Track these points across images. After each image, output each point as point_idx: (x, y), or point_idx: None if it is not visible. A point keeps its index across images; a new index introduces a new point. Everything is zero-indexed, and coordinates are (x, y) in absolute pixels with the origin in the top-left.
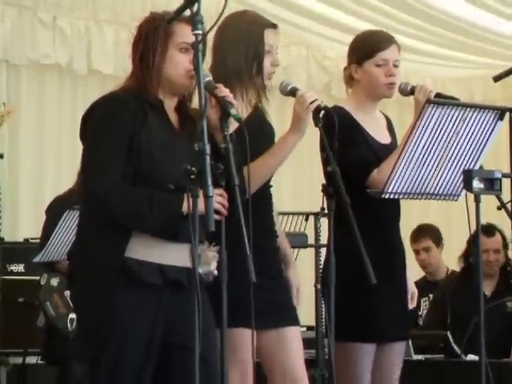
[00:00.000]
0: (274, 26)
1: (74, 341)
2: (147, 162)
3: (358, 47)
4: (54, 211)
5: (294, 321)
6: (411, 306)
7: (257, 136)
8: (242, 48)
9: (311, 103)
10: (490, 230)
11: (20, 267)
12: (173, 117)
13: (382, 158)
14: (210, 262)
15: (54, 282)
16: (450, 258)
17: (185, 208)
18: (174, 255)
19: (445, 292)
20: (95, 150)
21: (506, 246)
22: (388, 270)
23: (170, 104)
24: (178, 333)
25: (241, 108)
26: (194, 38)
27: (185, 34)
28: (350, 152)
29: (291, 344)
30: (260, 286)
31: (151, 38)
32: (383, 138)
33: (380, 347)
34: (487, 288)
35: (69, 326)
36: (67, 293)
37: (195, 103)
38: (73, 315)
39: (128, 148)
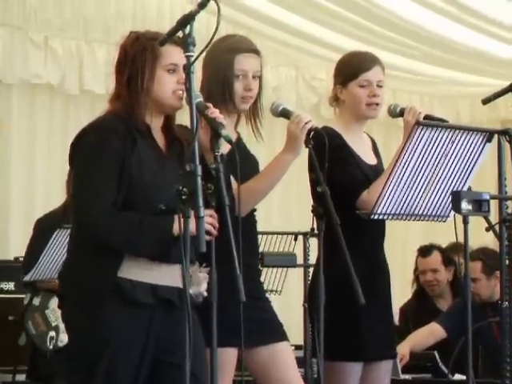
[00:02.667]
0: (252, 51)
1: (57, 358)
2: (138, 187)
3: (342, 68)
4: (40, 227)
5: (284, 336)
6: None
7: (244, 161)
8: (213, 74)
9: (306, 123)
10: (425, 250)
11: (10, 285)
12: (159, 138)
13: (371, 178)
14: (201, 282)
15: (36, 301)
16: None
17: (176, 229)
18: (166, 275)
19: (407, 317)
20: (85, 177)
21: (450, 263)
22: (374, 290)
23: (156, 124)
24: (169, 351)
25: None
26: (182, 59)
27: (172, 54)
28: (340, 173)
29: (286, 358)
30: (247, 306)
31: (138, 60)
32: (370, 159)
33: (367, 366)
34: (444, 306)
35: (48, 343)
36: (48, 311)
37: (182, 120)
38: (52, 333)
39: (118, 174)
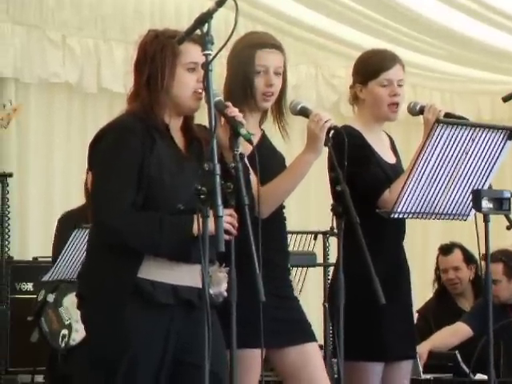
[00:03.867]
0: (274, 47)
1: (74, 359)
2: (157, 188)
3: (362, 67)
4: (62, 226)
5: (313, 336)
6: None
7: (271, 157)
8: (234, 71)
9: (326, 122)
10: (446, 248)
11: (29, 286)
12: (178, 138)
13: (391, 177)
14: (221, 283)
15: (51, 298)
16: None
17: (195, 229)
18: (186, 276)
19: (427, 318)
20: (104, 178)
21: (472, 261)
22: (395, 290)
23: (175, 124)
24: (189, 351)
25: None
26: (202, 57)
27: (192, 53)
28: (363, 173)
29: (315, 359)
30: (276, 306)
31: (158, 59)
32: (389, 157)
33: (388, 366)
34: (465, 305)
35: (60, 342)
36: (61, 309)
37: (201, 119)
38: (65, 331)
39: (138, 175)
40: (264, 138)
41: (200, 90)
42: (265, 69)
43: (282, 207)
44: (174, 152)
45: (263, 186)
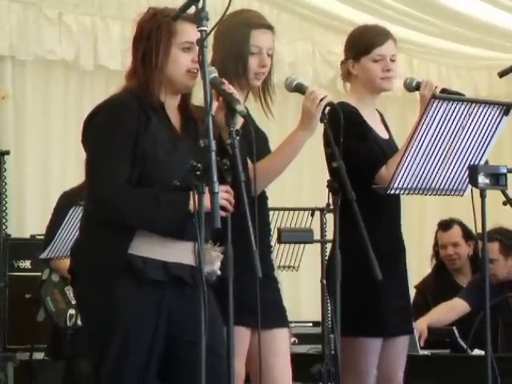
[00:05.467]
0: (267, 27)
1: (79, 337)
2: (152, 165)
3: (354, 43)
4: (59, 206)
5: (286, 322)
6: None
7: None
8: (227, 48)
9: (321, 100)
10: (445, 224)
11: (26, 263)
12: (174, 116)
13: (387, 153)
14: (214, 261)
15: (56, 277)
16: None
17: (191, 206)
18: (179, 252)
19: (424, 294)
20: (98, 154)
21: (470, 237)
22: (393, 265)
23: (171, 103)
24: (184, 329)
25: None
26: (198, 36)
27: (187, 32)
28: (359, 149)
29: (280, 347)
30: (260, 284)
31: (154, 37)
32: (383, 133)
33: (385, 342)
34: (463, 281)
35: (68, 321)
36: (67, 288)
37: (196, 95)
38: (72, 311)
39: (132, 152)
40: (248, 116)
41: (195, 70)
42: (259, 49)
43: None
44: (168, 130)
45: (256, 163)
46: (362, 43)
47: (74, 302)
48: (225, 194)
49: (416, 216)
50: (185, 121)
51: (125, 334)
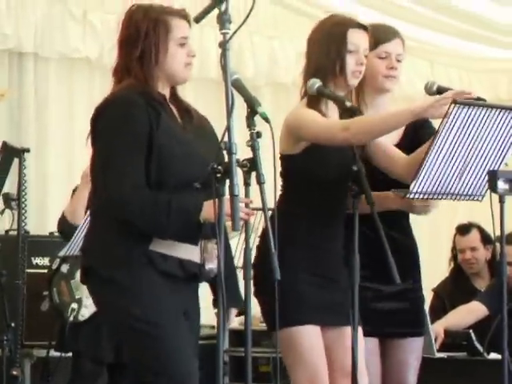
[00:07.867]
0: (363, 28)
1: (79, 332)
2: (169, 160)
3: None
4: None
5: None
6: None
7: None
8: (325, 48)
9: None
10: (464, 228)
11: (45, 260)
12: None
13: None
14: (213, 259)
15: (65, 268)
16: None
17: (203, 216)
18: (190, 250)
19: (442, 298)
20: (113, 153)
21: (488, 241)
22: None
23: (167, 96)
24: (192, 320)
25: (332, 107)
26: (190, 31)
27: (182, 28)
28: None
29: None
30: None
31: (152, 35)
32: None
33: (389, 343)
34: (481, 285)
35: (68, 314)
36: (73, 282)
37: (218, 97)
38: (75, 305)
39: (147, 148)
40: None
41: (191, 63)
42: (356, 48)
43: None
44: (177, 123)
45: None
46: (370, 38)
47: (77, 297)
48: (245, 209)
49: (427, 219)
50: (181, 112)
51: (161, 332)
